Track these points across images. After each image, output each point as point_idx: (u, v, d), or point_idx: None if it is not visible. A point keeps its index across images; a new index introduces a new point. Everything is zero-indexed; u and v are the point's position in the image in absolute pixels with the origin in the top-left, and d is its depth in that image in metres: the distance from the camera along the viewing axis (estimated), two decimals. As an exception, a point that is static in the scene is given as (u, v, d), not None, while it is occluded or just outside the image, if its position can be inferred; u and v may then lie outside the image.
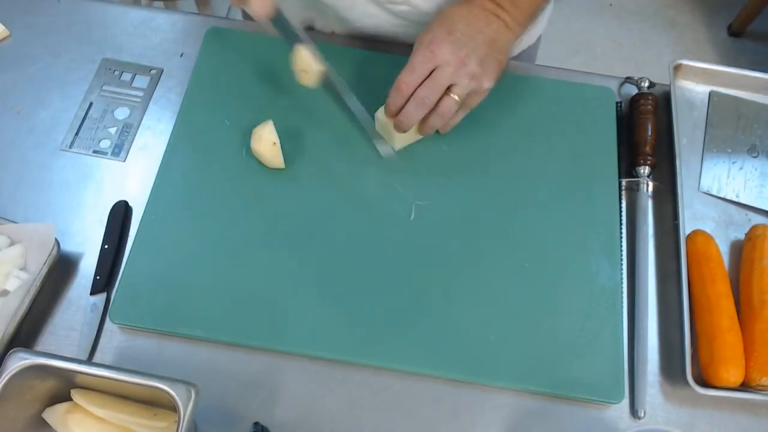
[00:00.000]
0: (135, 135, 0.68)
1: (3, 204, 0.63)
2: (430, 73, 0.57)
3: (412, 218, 0.63)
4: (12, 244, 0.59)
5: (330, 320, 0.58)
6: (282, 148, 0.63)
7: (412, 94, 0.57)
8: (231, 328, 0.57)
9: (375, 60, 0.71)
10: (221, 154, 0.65)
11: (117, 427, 0.51)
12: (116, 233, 0.61)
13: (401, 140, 0.65)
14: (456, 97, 0.58)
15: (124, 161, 0.66)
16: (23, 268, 0.58)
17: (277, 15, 0.57)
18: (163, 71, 0.71)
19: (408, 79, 0.57)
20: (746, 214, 0.68)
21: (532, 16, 0.62)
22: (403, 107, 0.58)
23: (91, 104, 0.69)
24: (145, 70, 0.71)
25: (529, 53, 0.84)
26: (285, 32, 0.59)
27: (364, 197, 0.64)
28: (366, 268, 0.60)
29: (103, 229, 0.62)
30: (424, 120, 0.60)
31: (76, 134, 0.67)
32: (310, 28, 0.76)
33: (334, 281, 0.59)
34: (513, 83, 0.71)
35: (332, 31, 0.76)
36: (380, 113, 0.63)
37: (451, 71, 0.56)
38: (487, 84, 0.58)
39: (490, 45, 0.58)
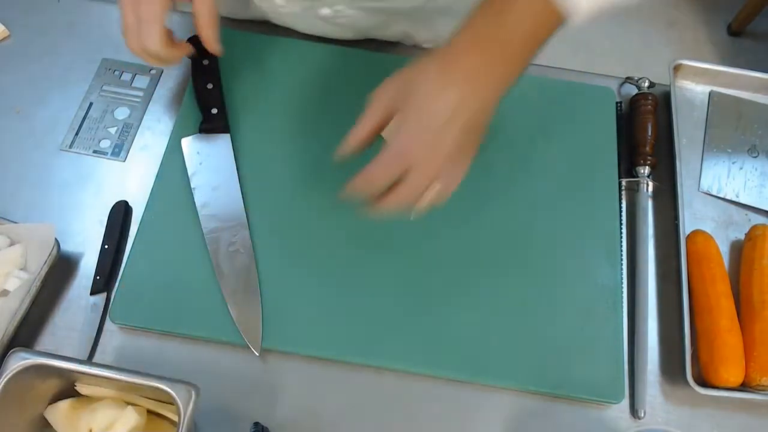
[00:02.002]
0: (135, 135, 0.68)
1: (3, 204, 0.63)
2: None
3: (412, 218, 0.63)
4: (12, 244, 0.59)
5: (330, 320, 0.58)
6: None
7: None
8: (231, 328, 0.57)
9: (371, 60, 0.71)
10: (221, 154, 0.65)
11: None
12: (116, 233, 0.61)
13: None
14: (431, 195, 0.51)
15: (124, 161, 0.66)
16: (23, 268, 0.58)
17: None
18: (163, 71, 0.71)
19: (378, 175, 0.49)
20: (746, 214, 0.68)
21: (527, 64, 0.49)
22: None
23: (91, 104, 0.69)
24: (145, 70, 0.71)
25: None
26: None
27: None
28: (366, 267, 0.60)
29: (103, 229, 0.62)
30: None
31: (76, 134, 0.67)
32: (266, 22, 0.75)
33: (334, 281, 0.59)
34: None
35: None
36: None
37: (425, 174, 0.49)
38: (466, 167, 0.51)
39: (472, 128, 0.49)
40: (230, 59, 0.69)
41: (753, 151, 0.71)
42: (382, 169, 0.48)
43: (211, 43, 0.58)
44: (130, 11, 0.55)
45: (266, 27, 0.75)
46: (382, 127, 0.51)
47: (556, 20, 0.45)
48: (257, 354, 0.56)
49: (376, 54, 0.71)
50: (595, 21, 0.44)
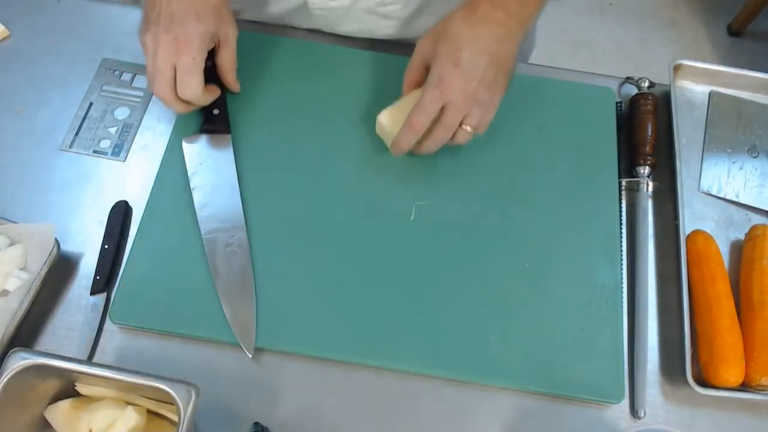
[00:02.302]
0: (135, 135, 0.68)
1: (3, 204, 0.63)
2: (442, 108, 0.57)
3: (412, 218, 0.63)
4: (12, 244, 0.59)
5: (330, 320, 0.58)
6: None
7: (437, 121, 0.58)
8: (230, 328, 0.56)
9: (371, 61, 0.71)
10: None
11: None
12: (116, 233, 0.61)
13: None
14: (469, 128, 0.59)
15: (124, 161, 0.66)
16: (23, 268, 0.58)
17: None
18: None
19: (420, 119, 0.57)
20: (746, 214, 0.68)
21: (534, 12, 0.60)
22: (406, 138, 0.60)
23: (91, 104, 0.69)
24: (145, 69, 0.71)
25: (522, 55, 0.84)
26: None
27: (365, 197, 0.64)
28: (366, 268, 0.60)
29: (103, 229, 0.62)
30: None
31: (76, 134, 0.67)
32: (288, 26, 0.75)
33: (335, 281, 0.59)
34: (512, 83, 0.71)
35: (316, 29, 0.75)
36: (382, 116, 0.62)
37: (461, 107, 0.57)
38: (497, 103, 0.59)
39: (498, 63, 0.57)
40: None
41: (753, 151, 0.71)
42: (423, 110, 0.57)
43: (233, 84, 0.66)
44: (166, 61, 0.56)
45: (268, 27, 0.75)
46: (424, 75, 0.59)
47: None
48: (250, 356, 0.55)
49: (381, 55, 0.71)
50: None
